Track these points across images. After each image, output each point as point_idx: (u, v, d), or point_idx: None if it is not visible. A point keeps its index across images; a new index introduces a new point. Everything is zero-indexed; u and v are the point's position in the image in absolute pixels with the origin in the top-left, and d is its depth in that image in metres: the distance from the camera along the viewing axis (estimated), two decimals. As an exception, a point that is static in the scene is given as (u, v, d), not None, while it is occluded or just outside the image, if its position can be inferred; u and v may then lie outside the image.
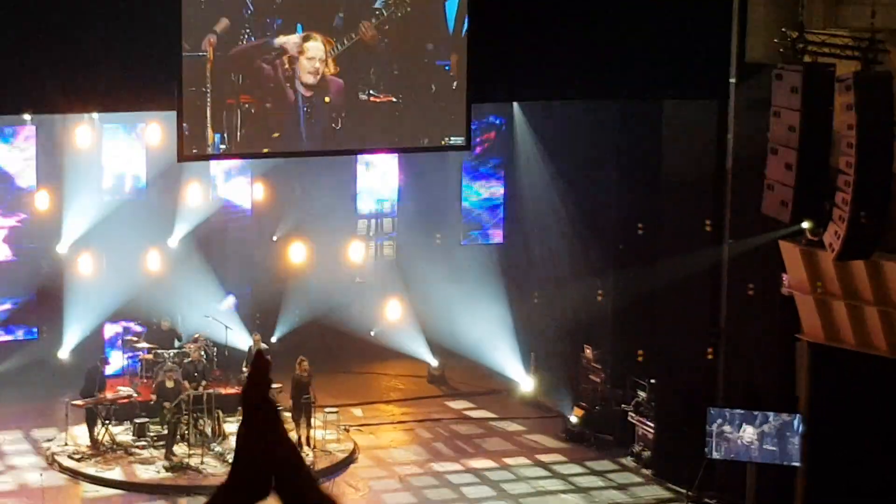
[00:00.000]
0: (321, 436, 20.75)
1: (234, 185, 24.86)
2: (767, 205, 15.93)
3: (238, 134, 16.71)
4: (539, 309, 24.14)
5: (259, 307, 24.82)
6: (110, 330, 23.83)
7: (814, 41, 15.97)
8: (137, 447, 20.47)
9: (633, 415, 21.06)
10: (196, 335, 22.36)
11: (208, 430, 20.37)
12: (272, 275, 24.89)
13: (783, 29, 16.15)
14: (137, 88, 16.19)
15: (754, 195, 16.50)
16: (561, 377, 23.08)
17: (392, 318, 25.00)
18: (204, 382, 21.01)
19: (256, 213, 25.09)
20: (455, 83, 17.50)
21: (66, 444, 20.51)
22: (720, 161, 18.94)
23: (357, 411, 23.02)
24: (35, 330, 24.21)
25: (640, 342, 21.16)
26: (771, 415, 17.78)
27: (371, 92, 17.21)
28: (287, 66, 16.74)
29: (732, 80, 18.14)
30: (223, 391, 20.84)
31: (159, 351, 22.18)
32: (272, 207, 24.99)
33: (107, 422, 20.60)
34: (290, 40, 16.75)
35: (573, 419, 22.04)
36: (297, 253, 24.44)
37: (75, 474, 19.77)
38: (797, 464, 17.75)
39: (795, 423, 17.66)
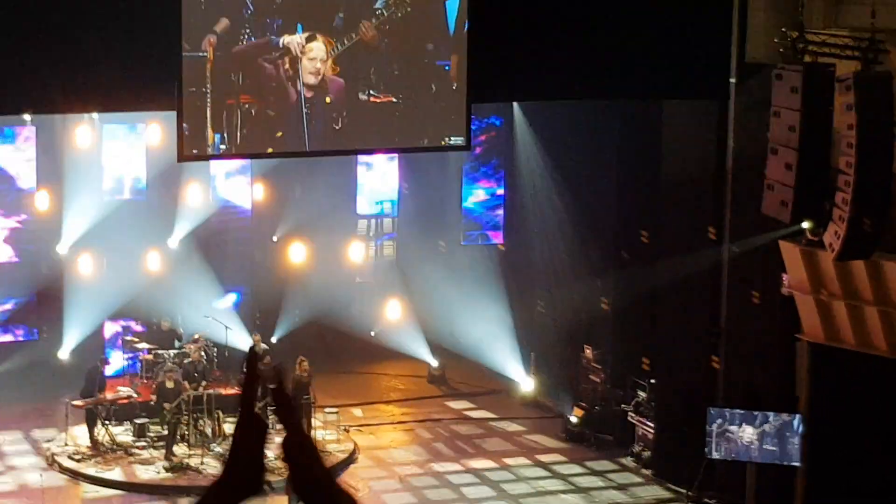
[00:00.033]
0: (321, 436, 20.75)
1: (234, 185, 24.86)
2: (767, 205, 15.93)
3: (238, 134, 16.70)
4: (539, 309, 24.14)
5: (259, 307, 24.83)
6: (110, 329, 23.84)
7: (814, 41, 15.97)
8: (137, 447, 20.47)
9: (633, 415, 21.06)
10: (196, 335, 22.37)
11: (208, 431, 20.36)
12: (272, 275, 24.90)
13: (783, 29, 16.15)
14: (137, 88, 16.18)
15: (754, 195, 16.50)
16: (561, 377, 23.08)
17: (392, 318, 25.01)
18: (204, 383, 21.01)
19: (256, 213, 25.09)
20: (455, 83, 17.50)
21: (66, 445, 20.51)
22: (720, 161, 18.94)
23: (357, 411, 23.02)
24: (35, 330, 24.22)
25: (640, 342, 21.17)
26: (771, 415, 17.78)
27: (371, 92, 17.20)
28: (288, 66, 16.74)
29: (732, 81, 18.13)
30: (223, 391, 20.84)
31: (159, 351, 22.19)
32: (272, 207, 25.00)
33: (107, 422, 20.60)
34: (291, 40, 16.74)
35: (573, 419, 22.04)
36: (297, 253, 24.46)
37: (75, 475, 19.77)
38: (797, 464, 17.75)
39: (795, 423, 17.66)
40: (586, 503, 19.62)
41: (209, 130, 16.53)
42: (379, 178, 25.80)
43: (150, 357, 22.30)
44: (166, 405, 20.33)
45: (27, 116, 21.63)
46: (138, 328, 23.52)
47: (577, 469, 20.88)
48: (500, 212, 25.87)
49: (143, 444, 20.54)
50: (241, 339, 22.92)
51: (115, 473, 19.76)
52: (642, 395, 20.95)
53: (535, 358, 23.84)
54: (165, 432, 20.31)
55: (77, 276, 23.58)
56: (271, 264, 24.96)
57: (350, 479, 19.96)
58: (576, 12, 17.56)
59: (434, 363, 24.80)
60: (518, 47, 17.34)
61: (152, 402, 20.91)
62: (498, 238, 25.87)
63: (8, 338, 24.09)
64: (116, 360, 23.04)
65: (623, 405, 21.43)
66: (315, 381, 20.68)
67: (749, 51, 17.75)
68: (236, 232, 25.04)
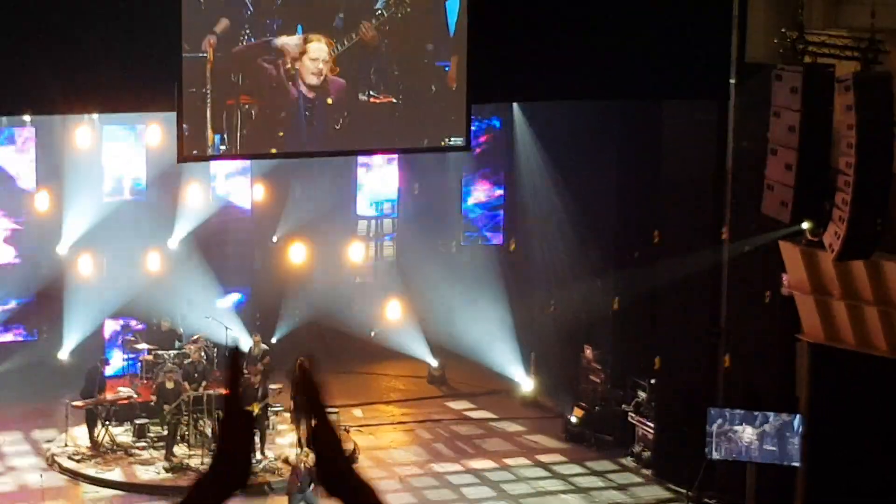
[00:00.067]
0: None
1: (234, 185, 24.86)
2: (767, 205, 15.92)
3: (238, 135, 16.69)
4: (539, 309, 24.14)
5: (259, 307, 24.83)
6: (110, 327, 23.84)
7: (814, 41, 15.96)
8: (137, 448, 20.48)
9: (633, 415, 21.06)
10: (196, 336, 22.36)
11: (208, 431, 20.36)
12: (272, 275, 24.90)
13: (783, 29, 16.14)
14: (137, 89, 16.17)
15: (754, 195, 16.50)
16: (561, 377, 23.08)
17: (392, 318, 25.01)
18: (204, 383, 21.01)
19: (256, 213, 25.09)
20: (455, 84, 17.49)
21: (66, 445, 20.52)
22: (720, 161, 18.93)
23: (357, 412, 23.02)
24: (35, 330, 24.22)
25: (641, 342, 21.17)
26: (771, 415, 17.77)
27: (371, 93, 17.19)
28: (289, 66, 16.73)
29: (732, 81, 18.13)
30: (223, 392, 20.79)
31: (159, 352, 22.19)
32: (272, 208, 25.00)
33: (107, 423, 20.61)
34: (291, 41, 16.73)
35: (573, 419, 22.04)
36: (297, 253, 24.46)
37: (75, 475, 19.78)
38: (797, 464, 17.75)
39: (795, 423, 17.66)
40: (586, 503, 19.63)
41: (209, 131, 16.52)
42: (379, 178, 25.80)
43: (149, 357, 22.30)
44: (166, 406, 20.33)
45: (27, 117, 21.64)
46: (138, 326, 23.52)
47: (577, 469, 20.89)
48: (500, 212, 25.87)
49: (143, 444, 20.55)
50: (241, 340, 22.92)
51: (115, 474, 19.77)
52: (642, 395, 20.95)
53: (535, 358, 23.84)
54: (165, 433, 20.32)
55: (77, 277, 23.58)
56: (271, 265, 24.96)
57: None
58: (576, 12, 17.55)
59: (434, 363, 24.80)
60: (518, 47, 17.33)
61: (152, 403, 20.92)
62: (497, 239, 25.87)
63: (8, 338, 24.10)
64: (116, 361, 23.05)
65: (623, 405, 21.43)
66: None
67: (749, 51, 17.75)
68: (236, 232, 25.03)
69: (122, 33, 15.60)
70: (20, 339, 24.17)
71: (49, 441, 20.84)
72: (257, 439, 20.31)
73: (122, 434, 20.79)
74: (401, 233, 26.15)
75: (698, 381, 19.46)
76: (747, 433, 17.88)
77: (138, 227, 23.38)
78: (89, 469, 19.85)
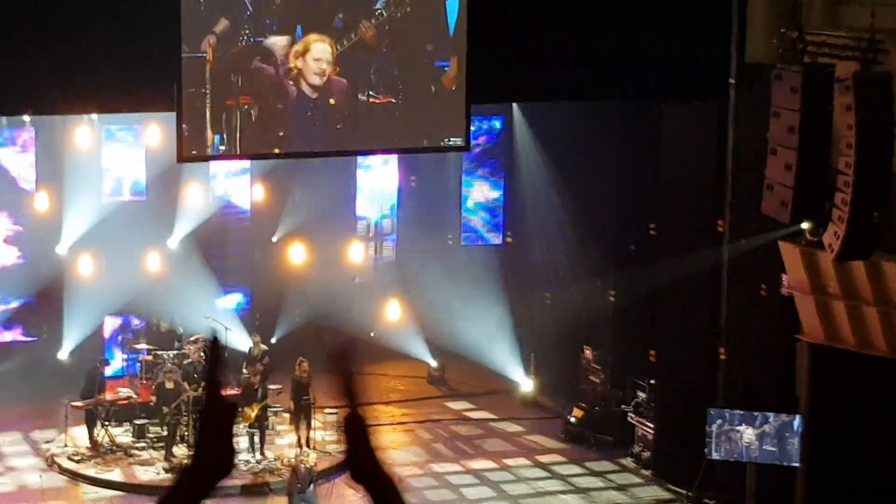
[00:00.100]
0: (321, 437, 20.76)
1: (233, 185, 24.86)
2: (767, 205, 15.92)
3: (238, 135, 16.69)
4: (539, 309, 24.14)
5: (259, 308, 24.82)
6: (110, 324, 23.83)
7: (813, 41, 15.96)
8: (137, 448, 20.47)
9: (633, 415, 21.06)
10: (195, 336, 22.35)
11: (208, 431, 20.32)
12: (272, 275, 24.89)
13: (783, 29, 16.15)
14: (137, 89, 16.17)
15: (754, 195, 16.50)
16: (561, 377, 23.08)
17: (392, 318, 24.99)
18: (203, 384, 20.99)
19: (256, 213, 25.09)
20: (454, 84, 17.49)
21: (65, 446, 20.51)
22: (720, 161, 18.93)
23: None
24: (35, 331, 24.21)
25: (641, 342, 21.17)
26: (771, 415, 17.77)
27: (371, 93, 17.19)
28: (290, 66, 16.72)
29: (732, 81, 18.13)
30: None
31: (159, 352, 22.19)
32: (272, 208, 24.99)
33: (106, 423, 20.60)
34: (290, 41, 16.73)
35: (573, 420, 22.03)
36: (296, 254, 24.45)
37: (75, 476, 19.77)
38: (797, 464, 17.74)
39: (795, 423, 17.65)
40: (586, 503, 19.62)
41: (209, 131, 16.52)
42: (378, 178, 25.80)
43: (149, 358, 22.30)
44: (166, 406, 20.32)
45: (26, 117, 21.61)
46: (138, 324, 23.52)
47: (576, 469, 20.88)
48: (500, 212, 25.86)
49: (143, 444, 20.54)
50: (242, 340, 22.93)
51: (115, 474, 19.76)
52: (642, 395, 20.94)
53: (534, 358, 23.84)
54: (165, 433, 20.31)
55: (77, 277, 23.57)
56: (271, 265, 24.95)
57: (350, 481, 19.93)
58: (576, 12, 17.54)
59: (434, 363, 24.80)
60: (518, 47, 17.33)
61: (152, 403, 20.91)
62: (497, 239, 25.86)
63: (8, 338, 24.09)
64: (116, 361, 23.04)
65: (623, 405, 21.42)
66: (315, 382, 20.67)
67: (749, 51, 17.74)
68: (236, 232, 25.04)
69: (122, 33, 15.60)
70: (20, 339, 24.16)
71: (49, 441, 20.84)
72: (257, 440, 20.33)
73: (122, 434, 20.79)
74: (400, 233, 26.14)
75: (698, 382, 19.46)
76: (747, 433, 17.88)
77: (138, 228, 23.36)
78: (89, 469, 19.85)
